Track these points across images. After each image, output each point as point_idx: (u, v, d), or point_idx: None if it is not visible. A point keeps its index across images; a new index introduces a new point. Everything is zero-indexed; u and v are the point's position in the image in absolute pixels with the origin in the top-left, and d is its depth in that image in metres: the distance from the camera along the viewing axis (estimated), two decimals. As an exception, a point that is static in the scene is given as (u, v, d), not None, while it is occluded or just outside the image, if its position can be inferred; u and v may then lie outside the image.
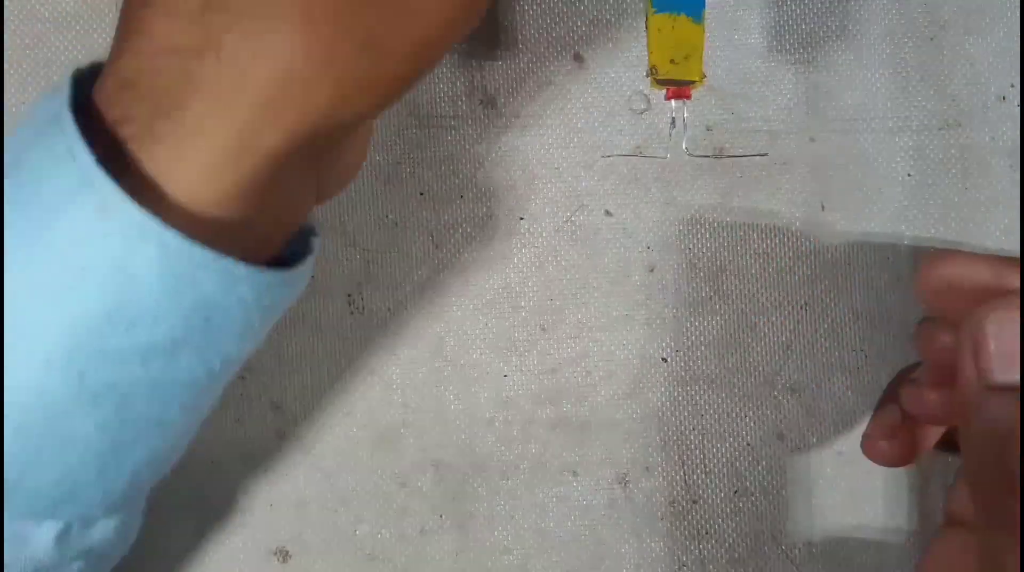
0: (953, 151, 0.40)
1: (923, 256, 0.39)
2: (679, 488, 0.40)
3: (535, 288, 0.40)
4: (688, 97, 0.33)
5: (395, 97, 0.27)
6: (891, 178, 0.40)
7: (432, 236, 0.40)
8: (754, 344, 0.40)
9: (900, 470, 0.40)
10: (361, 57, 0.25)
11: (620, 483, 0.40)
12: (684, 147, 0.35)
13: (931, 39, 0.40)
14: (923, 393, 0.34)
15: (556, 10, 0.40)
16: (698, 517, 0.40)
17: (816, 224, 0.40)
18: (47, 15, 0.40)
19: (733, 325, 0.40)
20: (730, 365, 0.40)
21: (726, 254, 0.40)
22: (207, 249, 0.24)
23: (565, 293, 0.40)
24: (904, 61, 0.40)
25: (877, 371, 0.40)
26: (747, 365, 0.40)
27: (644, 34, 0.38)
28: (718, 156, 0.40)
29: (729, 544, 0.40)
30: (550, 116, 0.40)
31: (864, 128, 0.40)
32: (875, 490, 0.40)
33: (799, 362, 0.40)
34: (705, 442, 0.40)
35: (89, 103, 0.25)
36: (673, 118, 0.34)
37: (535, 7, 0.40)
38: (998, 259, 0.31)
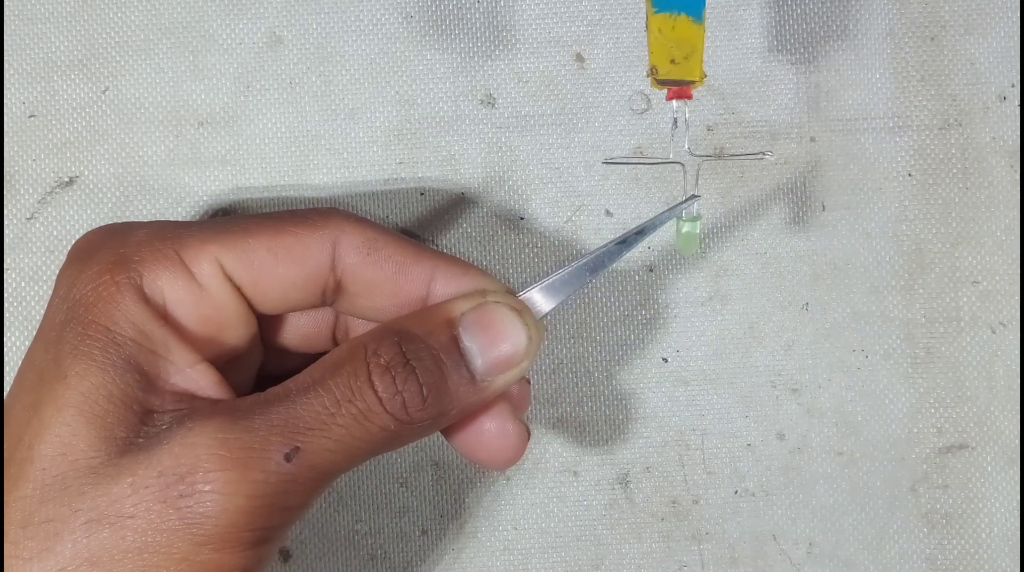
0: (953, 151, 0.40)
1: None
2: (679, 488, 0.40)
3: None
4: (689, 97, 0.33)
5: None
6: (891, 178, 0.40)
7: (432, 236, 0.40)
8: (754, 344, 0.40)
9: (900, 470, 0.40)
10: None
11: (620, 483, 0.40)
12: (686, 147, 0.35)
13: (931, 39, 0.40)
14: None
15: (556, 10, 0.40)
16: (698, 517, 0.40)
17: (816, 224, 0.40)
18: (47, 15, 0.40)
19: (733, 325, 0.40)
20: (730, 365, 0.40)
21: (726, 254, 0.40)
22: None
23: (565, 293, 0.40)
24: (904, 61, 0.40)
25: (877, 371, 0.40)
26: (747, 365, 0.40)
27: (644, 34, 0.38)
28: (719, 156, 0.40)
29: (729, 544, 0.40)
30: (550, 116, 0.40)
31: (864, 128, 0.40)
32: (875, 490, 0.40)
33: (799, 362, 0.40)
34: (705, 442, 0.40)
35: None
36: (675, 118, 0.34)
37: (535, 7, 0.40)
38: None
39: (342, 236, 0.31)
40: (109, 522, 0.26)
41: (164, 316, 0.29)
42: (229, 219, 0.32)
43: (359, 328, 0.34)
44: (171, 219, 0.39)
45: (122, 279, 0.29)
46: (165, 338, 0.29)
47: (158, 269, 0.29)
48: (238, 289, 0.30)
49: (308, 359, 0.30)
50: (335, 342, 0.35)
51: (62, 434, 0.27)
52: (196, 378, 0.29)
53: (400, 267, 0.31)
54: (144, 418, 0.28)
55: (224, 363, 0.31)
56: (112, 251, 0.29)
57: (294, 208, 0.40)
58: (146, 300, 0.29)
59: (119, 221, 0.39)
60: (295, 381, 0.29)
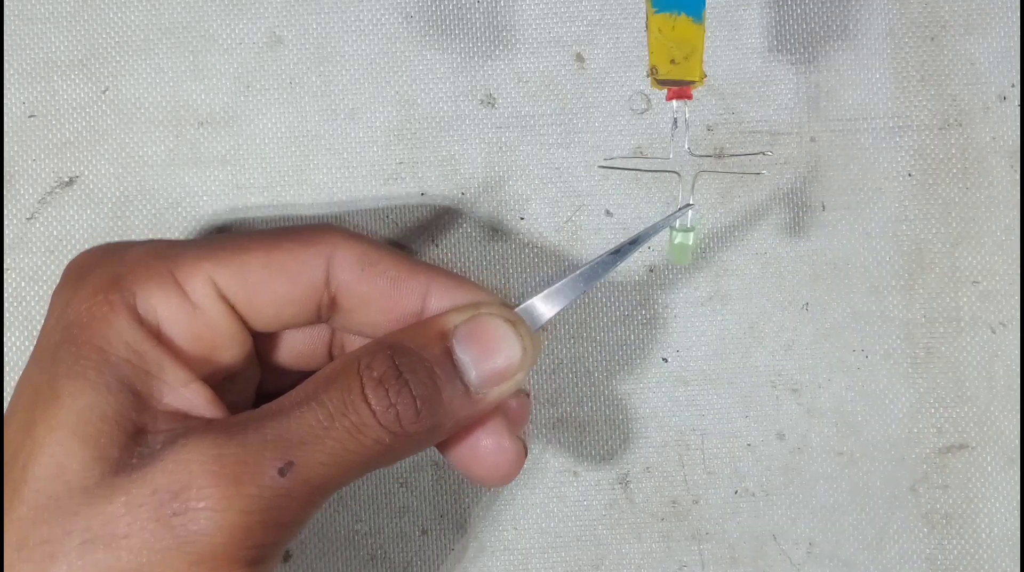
0: (953, 151, 0.40)
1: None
2: (679, 488, 0.40)
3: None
4: (689, 97, 0.33)
5: None
6: (891, 178, 0.40)
7: (432, 236, 0.40)
8: (754, 344, 0.40)
9: (900, 470, 0.40)
10: None
11: (620, 483, 0.40)
12: (686, 147, 0.35)
13: (931, 39, 0.40)
14: None
15: (556, 10, 0.40)
16: (698, 517, 0.40)
17: (816, 224, 0.40)
18: (47, 15, 0.40)
19: (733, 325, 0.40)
20: (730, 365, 0.40)
21: (726, 254, 0.40)
22: None
23: (565, 293, 0.40)
24: (904, 61, 0.40)
25: (877, 371, 0.40)
26: (747, 365, 0.40)
27: (644, 34, 0.38)
28: (719, 156, 0.40)
29: (729, 544, 0.40)
30: (550, 116, 0.40)
31: (864, 128, 0.40)
32: (875, 490, 0.40)
33: (799, 362, 0.40)
34: (705, 442, 0.40)
35: None
36: (675, 118, 0.34)
37: (535, 7, 0.40)
38: None
39: (336, 252, 0.31)
40: (104, 543, 0.26)
41: (158, 335, 0.29)
42: (224, 236, 0.32)
43: (355, 344, 0.34)
44: (170, 219, 0.39)
45: (116, 299, 0.29)
46: (158, 357, 0.29)
47: (151, 288, 0.29)
48: (232, 307, 0.30)
49: (306, 377, 0.30)
50: (331, 359, 0.35)
51: (55, 454, 0.27)
52: (190, 397, 0.29)
53: (394, 282, 0.31)
54: (137, 438, 0.27)
55: (220, 382, 0.31)
56: (106, 270, 0.29)
57: (293, 213, 0.40)
58: (139, 320, 0.29)
59: (119, 222, 0.39)
60: (289, 397, 0.29)
